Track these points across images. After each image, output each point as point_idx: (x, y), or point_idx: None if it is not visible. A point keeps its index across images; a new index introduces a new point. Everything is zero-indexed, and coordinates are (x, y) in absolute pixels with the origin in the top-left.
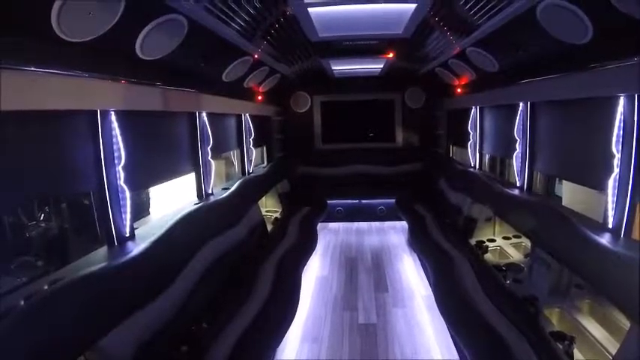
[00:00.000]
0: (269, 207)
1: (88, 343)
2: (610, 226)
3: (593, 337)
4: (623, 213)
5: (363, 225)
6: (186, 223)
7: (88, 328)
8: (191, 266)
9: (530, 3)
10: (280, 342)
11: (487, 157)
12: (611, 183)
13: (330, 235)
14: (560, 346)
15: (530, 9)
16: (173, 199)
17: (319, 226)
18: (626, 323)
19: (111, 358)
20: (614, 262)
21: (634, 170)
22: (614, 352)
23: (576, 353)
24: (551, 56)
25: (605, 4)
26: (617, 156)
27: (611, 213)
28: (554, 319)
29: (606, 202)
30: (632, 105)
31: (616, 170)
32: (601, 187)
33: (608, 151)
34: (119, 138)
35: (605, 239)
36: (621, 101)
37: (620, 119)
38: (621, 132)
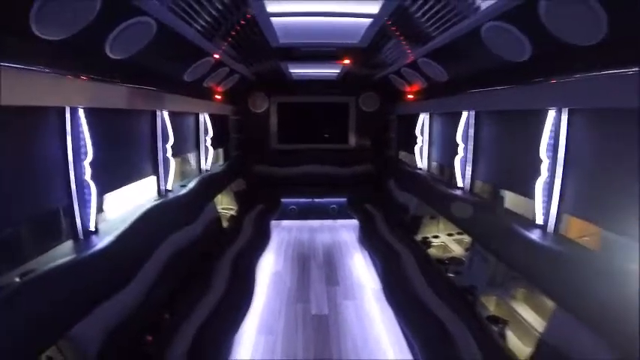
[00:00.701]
0: (225, 204)
1: (60, 332)
2: (540, 223)
3: (526, 320)
4: (551, 211)
5: (316, 223)
6: (148, 219)
7: (59, 318)
8: (153, 260)
9: (476, 23)
10: (237, 331)
11: (436, 159)
12: (540, 184)
13: (283, 232)
14: (495, 329)
15: (476, 28)
16: (126, 197)
17: (273, 223)
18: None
19: (81, 346)
20: (543, 255)
21: (562, 174)
22: None
23: (510, 335)
24: (495, 71)
25: (542, 28)
26: (547, 161)
27: (540, 211)
28: (491, 306)
29: (536, 202)
30: (560, 117)
31: (546, 174)
32: (528, 194)
33: (538, 157)
34: (86, 134)
35: (535, 235)
36: (552, 114)
37: (551, 129)
38: (551, 141)
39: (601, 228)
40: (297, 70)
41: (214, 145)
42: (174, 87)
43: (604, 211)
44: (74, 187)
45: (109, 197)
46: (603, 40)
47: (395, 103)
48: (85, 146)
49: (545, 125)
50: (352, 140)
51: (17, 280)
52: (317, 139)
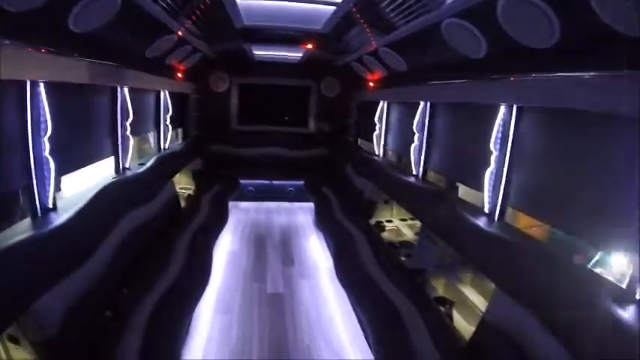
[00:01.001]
0: (183, 184)
1: (20, 309)
2: (486, 211)
3: (471, 302)
4: (497, 200)
5: (273, 205)
6: (106, 196)
7: (18, 295)
8: (111, 237)
9: (437, 18)
10: (195, 308)
11: (392, 146)
12: (488, 175)
13: (241, 213)
14: (443, 309)
15: (437, 23)
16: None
17: (231, 204)
18: None
19: (41, 323)
20: (486, 240)
21: (508, 166)
22: None
23: (457, 315)
24: (452, 64)
25: (498, 28)
26: (495, 153)
27: (487, 200)
28: (440, 288)
29: (483, 191)
30: (510, 113)
31: (493, 165)
32: (476, 185)
33: (487, 149)
34: (46, 109)
35: (481, 222)
36: (502, 109)
37: (500, 124)
38: (500, 135)
39: (537, 220)
40: (260, 52)
41: (174, 123)
42: (136, 63)
43: (542, 205)
44: (32, 163)
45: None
46: (556, 44)
47: (355, 89)
48: (45, 122)
49: (496, 120)
50: (312, 124)
51: None
52: (277, 122)
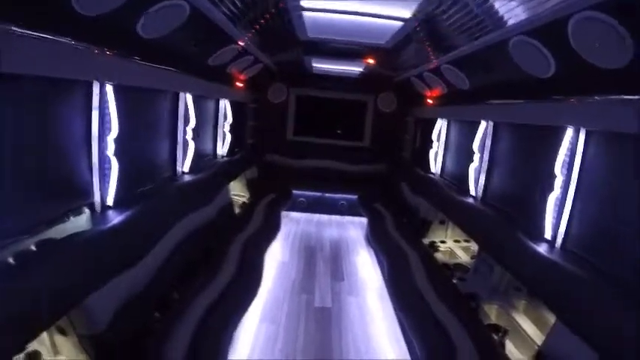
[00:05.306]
0: (237, 191)
1: (72, 302)
2: (548, 237)
3: (525, 331)
4: (560, 226)
5: (324, 217)
6: (163, 198)
7: (72, 288)
8: (166, 239)
9: (504, 35)
10: (242, 316)
11: (450, 165)
12: (552, 200)
13: (291, 223)
14: (495, 337)
15: (504, 41)
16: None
17: (282, 214)
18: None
19: (91, 318)
20: (548, 268)
21: (574, 191)
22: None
23: (509, 344)
24: (517, 84)
25: (569, 48)
26: (561, 178)
27: (549, 226)
28: (492, 314)
29: (545, 217)
30: (577, 136)
31: (558, 190)
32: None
33: (552, 173)
34: (112, 110)
35: (542, 248)
36: (569, 131)
37: (567, 147)
38: (566, 158)
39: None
40: (320, 65)
41: (231, 131)
42: (199, 71)
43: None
44: (96, 161)
45: None
46: (628, 64)
47: (413, 105)
48: (110, 122)
49: (562, 142)
50: (367, 138)
51: (33, 248)
52: (332, 135)
